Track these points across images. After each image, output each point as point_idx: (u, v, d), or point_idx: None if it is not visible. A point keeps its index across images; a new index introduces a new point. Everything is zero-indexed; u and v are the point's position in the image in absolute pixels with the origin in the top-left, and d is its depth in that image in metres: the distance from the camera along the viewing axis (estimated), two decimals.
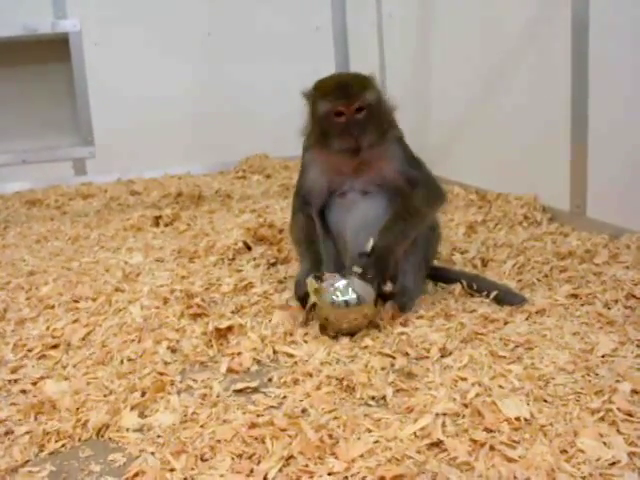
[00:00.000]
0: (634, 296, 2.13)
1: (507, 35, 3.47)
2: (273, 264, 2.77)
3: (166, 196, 4.43)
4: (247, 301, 2.37)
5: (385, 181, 2.20)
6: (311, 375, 1.79)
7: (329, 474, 1.36)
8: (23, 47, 5.27)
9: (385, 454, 1.41)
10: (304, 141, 2.30)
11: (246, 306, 2.32)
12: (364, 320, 2.04)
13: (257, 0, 5.45)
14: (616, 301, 2.11)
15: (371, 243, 2.06)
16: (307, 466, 1.39)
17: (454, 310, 2.15)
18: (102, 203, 4.47)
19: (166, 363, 1.94)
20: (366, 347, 1.94)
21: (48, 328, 2.23)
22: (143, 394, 1.75)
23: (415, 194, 2.18)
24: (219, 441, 1.50)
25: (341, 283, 2.03)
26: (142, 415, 1.67)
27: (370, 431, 1.50)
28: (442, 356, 1.85)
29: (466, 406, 1.56)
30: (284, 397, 1.71)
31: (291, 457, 1.42)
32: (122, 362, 1.96)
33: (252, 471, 1.39)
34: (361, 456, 1.40)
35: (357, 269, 2.03)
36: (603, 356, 1.76)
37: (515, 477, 1.31)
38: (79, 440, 1.59)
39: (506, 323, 2.03)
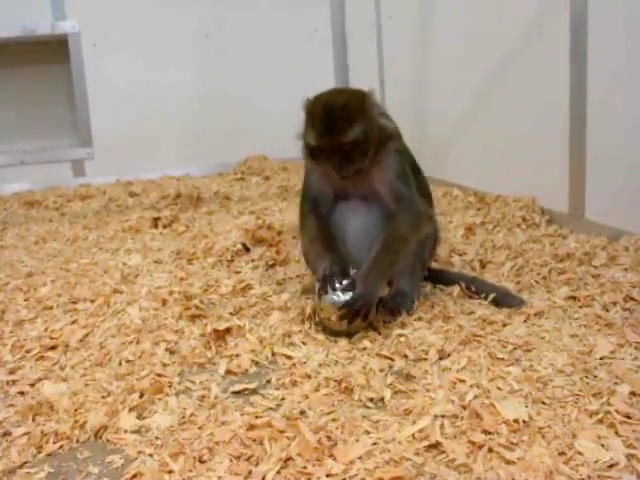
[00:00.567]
0: (632, 298, 2.13)
1: (506, 37, 3.48)
2: (272, 266, 2.77)
3: (165, 197, 4.43)
4: (246, 303, 2.36)
5: (378, 192, 2.20)
6: (309, 377, 1.79)
7: (327, 476, 1.36)
8: (22, 48, 5.27)
9: (383, 456, 1.40)
10: (301, 144, 2.29)
11: (244, 308, 2.32)
12: (364, 321, 2.05)
13: (256, 2, 5.45)
14: (614, 303, 2.11)
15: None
16: (305, 468, 1.38)
17: (452, 312, 2.15)
18: (101, 204, 4.46)
19: (164, 365, 1.94)
20: (364, 349, 1.94)
21: (46, 329, 2.23)
22: (141, 395, 1.75)
23: (400, 221, 2.13)
24: (217, 443, 1.50)
25: (342, 284, 2.04)
26: (140, 417, 1.66)
27: (368, 433, 1.50)
28: (440, 358, 1.85)
29: (464, 408, 1.56)
30: (282, 399, 1.71)
31: (289, 459, 1.42)
32: (120, 363, 1.96)
33: (250, 473, 1.39)
34: (359, 458, 1.40)
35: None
36: (601, 358, 1.76)
37: (513, 479, 1.31)
38: (77, 441, 1.58)
39: (504, 325, 2.03)
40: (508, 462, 1.36)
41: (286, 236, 3.07)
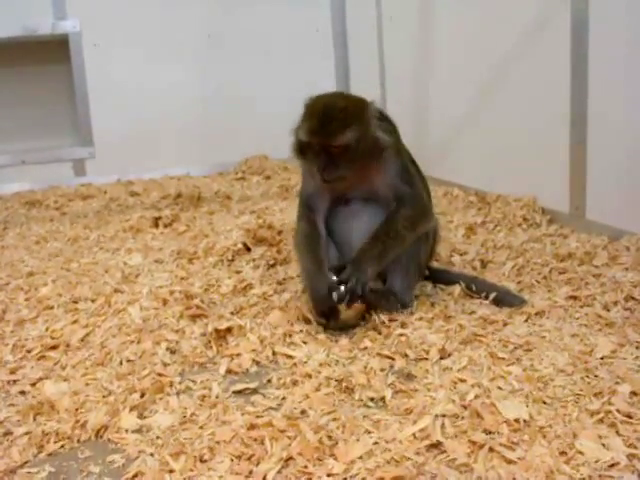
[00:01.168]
0: (633, 298, 2.13)
1: (507, 36, 3.47)
2: (272, 265, 2.77)
3: (165, 197, 4.43)
4: (246, 302, 2.37)
5: (379, 193, 2.20)
6: (310, 376, 1.79)
7: (328, 475, 1.36)
8: (23, 48, 5.27)
9: (384, 455, 1.41)
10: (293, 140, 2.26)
11: (245, 307, 2.32)
12: (356, 316, 2.08)
13: (258, 2, 5.45)
14: (615, 303, 2.11)
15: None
16: (306, 467, 1.39)
17: (453, 312, 2.15)
18: (101, 204, 4.47)
19: (165, 364, 1.94)
20: (365, 348, 1.94)
21: (47, 329, 2.23)
22: (142, 395, 1.75)
23: (400, 215, 2.13)
24: (218, 442, 1.50)
25: (334, 279, 2.06)
26: (141, 416, 1.67)
27: (369, 432, 1.50)
28: (441, 358, 1.85)
29: (465, 407, 1.56)
30: (283, 398, 1.71)
31: (290, 458, 1.42)
32: (121, 363, 1.96)
33: (251, 472, 1.39)
34: (360, 457, 1.40)
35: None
36: (602, 358, 1.76)
37: (514, 479, 1.31)
38: (78, 441, 1.59)
39: (505, 325, 2.03)
40: (509, 462, 1.36)
41: (287, 236, 3.07)
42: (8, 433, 1.62)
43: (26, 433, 1.61)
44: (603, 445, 1.39)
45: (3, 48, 5.20)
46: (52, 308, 2.43)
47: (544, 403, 1.57)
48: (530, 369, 1.72)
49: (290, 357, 1.93)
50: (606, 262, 2.49)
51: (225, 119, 5.45)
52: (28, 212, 4.39)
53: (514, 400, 1.56)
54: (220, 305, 2.37)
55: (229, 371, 1.89)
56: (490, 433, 1.46)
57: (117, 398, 1.73)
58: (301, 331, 2.09)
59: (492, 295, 2.23)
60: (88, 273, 2.83)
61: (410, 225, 2.14)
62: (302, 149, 2.14)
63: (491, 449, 1.40)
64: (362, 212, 2.21)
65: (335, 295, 2.02)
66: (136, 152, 5.33)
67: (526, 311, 2.11)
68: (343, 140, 2.04)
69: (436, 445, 1.44)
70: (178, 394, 1.77)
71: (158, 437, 1.56)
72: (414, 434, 1.48)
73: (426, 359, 1.85)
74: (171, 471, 1.42)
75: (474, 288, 2.30)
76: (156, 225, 3.66)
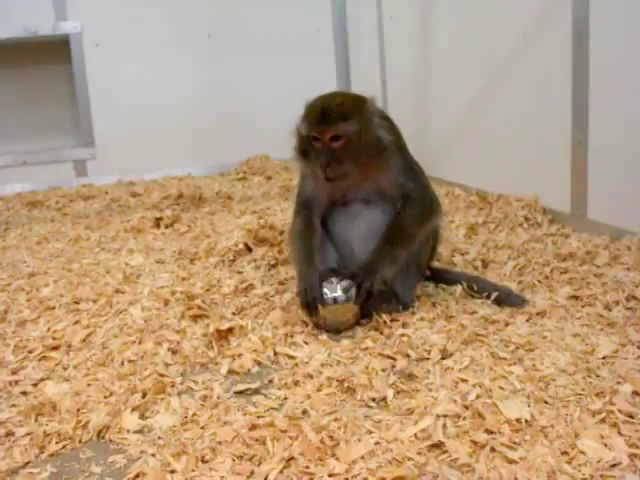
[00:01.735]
0: (635, 297, 2.13)
1: (507, 36, 3.47)
2: (274, 265, 2.77)
3: (167, 197, 4.43)
4: (248, 302, 2.37)
5: (383, 192, 2.20)
6: (312, 376, 1.79)
7: (330, 475, 1.36)
8: (24, 48, 5.28)
9: (386, 455, 1.40)
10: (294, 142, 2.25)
11: (247, 307, 2.32)
12: (353, 318, 2.08)
13: (258, 2, 5.45)
14: (617, 302, 2.11)
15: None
16: (308, 467, 1.39)
17: (455, 312, 2.15)
18: (103, 204, 4.47)
19: (167, 365, 1.94)
20: (367, 349, 1.94)
21: (49, 329, 2.23)
22: (144, 395, 1.75)
23: (407, 213, 2.14)
24: (220, 442, 1.50)
25: (331, 281, 2.06)
26: (143, 416, 1.67)
27: (371, 432, 1.50)
28: (443, 358, 1.85)
29: (467, 407, 1.56)
30: (285, 398, 1.71)
31: (292, 458, 1.42)
32: (123, 363, 1.96)
33: (253, 472, 1.39)
34: (362, 457, 1.40)
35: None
36: (604, 358, 1.76)
37: (516, 479, 1.31)
38: (80, 441, 1.59)
39: (507, 325, 2.03)
40: (510, 462, 1.36)
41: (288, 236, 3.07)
42: (10, 433, 1.62)
43: (28, 433, 1.61)
44: (605, 445, 1.39)
45: (4, 49, 5.21)
46: (53, 308, 2.44)
47: (546, 403, 1.57)
48: (532, 369, 1.72)
49: (291, 357, 1.93)
50: (607, 262, 2.48)
51: (226, 119, 5.45)
52: (29, 213, 4.40)
53: (516, 400, 1.56)
54: (221, 305, 2.37)
55: (230, 371, 1.89)
56: (492, 433, 1.46)
57: (119, 398, 1.73)
58: (302, 331, 2.09)
59: (493, 295, 2.23)
60: (89, 273, 2.83)
61: (419, 224, 2.16)
62: (304, 149, 2.14)
63: (493, 449, 1.40)
64: (362, 213, 2.21)
65: (326, 291, 2.03)
66: (137, 153, 5.34)
67: (527, 311, 2.11)
68: (344, 130, 2.05)
69: (438, 445, 1.44)
70: (179, 394, 1.77)
71: (160, 437, 1.56)
72: (416, 434, 1.48)
73: (428, 359, 1.85)
74: (173, 471, 1.42)
75: (475, 288, 2.30)
76: (157, 225, 3.66)
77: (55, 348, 2.10)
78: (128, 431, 1.60)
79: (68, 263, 3.04)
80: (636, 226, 2.68)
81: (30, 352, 2.08)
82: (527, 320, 2.06)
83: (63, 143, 5.49)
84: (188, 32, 5.41)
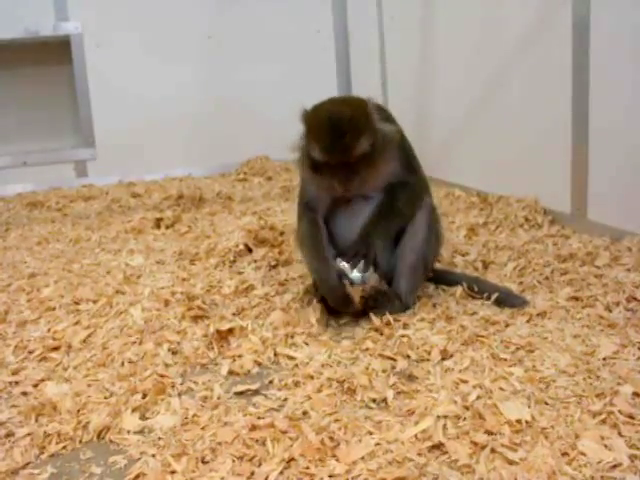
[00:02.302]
0: (635, 298, 2.13)
1: (508, 37, 3.48)
2: (274, 266, 2.77)
3: (167, 198, 4.43)
4: (248, 303, 2.37)
5: (383, 185, 2.20)
6: (312, 377, 1.79)
7: (330, 476, 1.36)
8: (25, 49, 5.28)
9: (386, 456, 1.40)
10: (299, 157, 2.23)
11: (247, 308, 2.32)
12: (361, 300, 2.11)
13: (258, 3, 5.46)
14: (617, 303, 2.11)
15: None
16: (308, 468, 1.38)
17: (455, 312, 2.15)
18: (103, 205, 4.47)
19: (167, 365, 1.94)
20: (367, 349, 1.94)
21: (49, 330, 2.23)
22: (144, 396, 1.75)
23: (401, 197, 2.18)
24: (220, 443, 1.50)
25: (345, 264, 2.08)
26: (143, 417, 1.67)
27: (371, 433, 1.50)
28: (443, 358, 1.85)
29: (467, 408, 1.56)
30: (285, 399, 1.71)
31: (292, 459, 1.42)
32: (123, 364, 1.96)
33: (253, 473, 1.39)
34: (362, 458, 1.40)
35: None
36: (604, 359, 1.76)
37: (516, 479, 1.31)
38: (80, 442, 1.59)
39: (507, 326, 2.03)
40: (511, 463, 1.36)
41: (288, 237, 3.07)
42: (10, 434, 1.62)
43: (28, 434, 1.61)
44: (605, 446, 1.38)
45: (5, 49, 5.21)
46: (54, 309, 2.44)
47: (546, 404, 1.56)
48: (532, 370, 1.72)
49: (292, 358, 1.93)
50: (608, 263, 2.48)
51: (226, 120, 5.45)
52: (30, 213, 4.40)
53: (516, 401, 1.56)
54: (222, 306, 2.37)
55: (231, 372, 1.89)
56: (492, 434, 1.46)
57: (119, 399, 1.73)
58: (303, 332, 2.09)
59: (494, 296, 2.23)
60: (90, 274, 2.83)
61: (412, 205, 2.21)
62: (316, 167, 2.11)
63: (493, 450, 1.40)
64: (363, 211, 2.21)
65: (350, 278, 2.05)
66: (138, 153, 5.34)
67: (528, 312, 2.10)
68: (359, 151, 2.03)
69: (438, 446, 1.44)
70: (180, 395, 1.77)
71: (160, 438, 1.56)
72: (416, 435, 1.48)
73: (428, 360, 1.85)
74: (173, 472, 1.42)
75: (476, 289, 2.30)
76: (158, 226, 3.66)
77: (55, 349, 2.10)
78: (128, 432, 1.60)
79: (68, 264, 3.04)
80: (636, 227, 2.68)
81: (30, 353, 2.08)
82: (527, 321, 2.05)
83: (64, 144, 5.49)
84: (189, 34, 5.41)
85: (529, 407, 1.54)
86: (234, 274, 2.71)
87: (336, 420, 1.56)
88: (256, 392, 1.77)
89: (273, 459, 1.42)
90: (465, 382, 1.68)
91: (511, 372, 1.71)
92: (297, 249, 2.44)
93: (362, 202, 2.22)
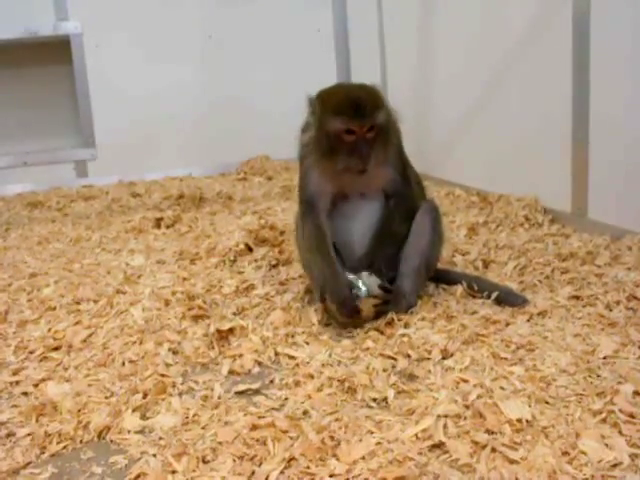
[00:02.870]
0: (636, 297, 2.12)
1: (508, 36, 3.47)
2: (274, 266, 2.77)
3: (167, 198, 4.43)
4: (248, 303, 2.37)
5: (378, 185, 2.22)
6: (312, 377, 1.79)
7: (330, 476, 1.36)
8: (24, 49, 5.28)
9: (387, 456, 1.40)
10: (302, 148, 2.25)
11: (247, 308, 2.32)
12: (370, 309, 2.09)
13: (258, 3, 5.46)
14: (618, 302, 2.11)
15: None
16: (308, 468, 1.38)
17: (455, 312, 2.15)
18: (103, 205, 4.47)
19: (167, 365, 1.94)
20: (367, 349, 1.94)
21: (49, 330, 2.23)
22: (144, 396, 1.75)
23: (396, 213, 2.22)
24: (220, 443, 1.50)
25: (351, 277, 2.09)
26: (143, 417, 1.67)
27: (372, 433, 1.50)
28: (443, 358, 1.85)
29: (467, 408, 1.56)
30: (285, 399, 1.71)
31: (292, 459, 1.42)
32: (123, 364, 1.96)
33: (253, 473, 1.39)
34: (362, 458, 1.40)
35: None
36: (605, 358, 1.76)
37: (517, 479, 1.31)
38: (80, 442, 1.59)
39: (507, 325, 2.03)
40: (511, 462, 1.36)
41: (289, 236, 3.07)
42: (11, 434, 1.63)
43: (29, 434, 1.61)
44: (606, 445, 1.38)
45: (5, 49, 5.21)
46: (54, 309, 2.44)
47: (546, 403, 1.56)
48: (532, 369, 1.72)
49: (292, 357, 1.93)
50: (608, 262, 2.48)
51: (227, 120, 5.45)
52: (30, 213, 4.40)
53: (516, 400, 1.56)
54: (222, 306, 2.37)
55: (231, 372, 1.89)
56: (492, 433, 1.46)
57: (119, 399, 1.73)
58: (303, 331, 2.09)
59: (494, 295, 2.23)
60: (90, 274, 2.83)
61: (404, 222, 2.23)
62: (331, 145, 2.10)
63: (493, 449, 1.40)
64: (360, 210, 2.23)
65: (359, 291, 2.06)
66: (138, 153, 5.34)
67: (528, 311, 2.10)
68: (379, 119, 2.08)
69: (438, 445, 1.44)
70: (180, 395, 1.77)
71: (161, 438, 1.56)
72: (416, 434, 1.48)
73: (428, 359, 1.85)
74: (174, 472, 1.42)
75: (476, 288, 2.30)
76: (158, 226, 3.66)
77: (56, 349, 2.10)
78: (129, 431, 1.60)
79: (69, 263, 3.04)
80: (637, 226, 2.68)
81: (31, 353, 2.09)
82: (528, 320, 2.05)
83: (64, 143, 5.49)
84: (189, 33, 5.41)
85: (529, 406, 1.54)
86: (234, 274, 2.71)
87: (337, 419, 1.56)
88: (257, 391, 1.77)
89: (274, 458, 1.42)
90: (466, 381, 1.68)
91: (512, 371, 1.71)
92: (297, 249, 2.42)
93: (358, 200, 2.22)
